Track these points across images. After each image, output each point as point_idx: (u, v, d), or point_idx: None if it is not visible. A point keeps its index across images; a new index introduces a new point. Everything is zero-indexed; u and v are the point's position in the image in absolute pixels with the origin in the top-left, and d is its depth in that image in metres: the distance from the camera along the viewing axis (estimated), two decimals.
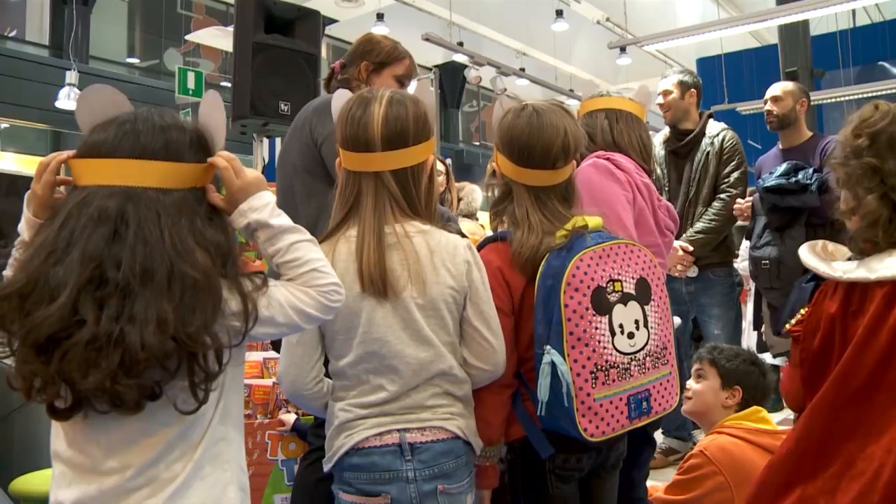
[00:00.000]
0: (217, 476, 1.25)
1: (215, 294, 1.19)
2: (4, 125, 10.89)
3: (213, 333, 1.18)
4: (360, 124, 1.56)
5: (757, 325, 3.99)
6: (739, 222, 3.75)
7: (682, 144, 3.75)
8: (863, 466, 1.46)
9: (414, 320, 1.53)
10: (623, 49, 10.07)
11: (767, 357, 3.75)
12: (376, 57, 2.45)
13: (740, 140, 3.74)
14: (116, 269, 1.14)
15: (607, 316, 1.60)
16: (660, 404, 1.69)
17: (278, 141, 4.21)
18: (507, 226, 1.76)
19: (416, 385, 1.53)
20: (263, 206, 1.31)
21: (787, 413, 3.78)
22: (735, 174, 3.64)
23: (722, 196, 3.63)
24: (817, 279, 1.64)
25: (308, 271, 1.31)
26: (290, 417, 2.55)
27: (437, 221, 1.62)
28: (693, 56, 11.50)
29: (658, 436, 2.71)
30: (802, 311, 1.63)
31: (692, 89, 3.75)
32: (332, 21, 11.07)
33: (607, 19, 11.77)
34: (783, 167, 3.48)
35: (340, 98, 1.66)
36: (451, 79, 15.36)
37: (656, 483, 2.51)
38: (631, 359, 1.62)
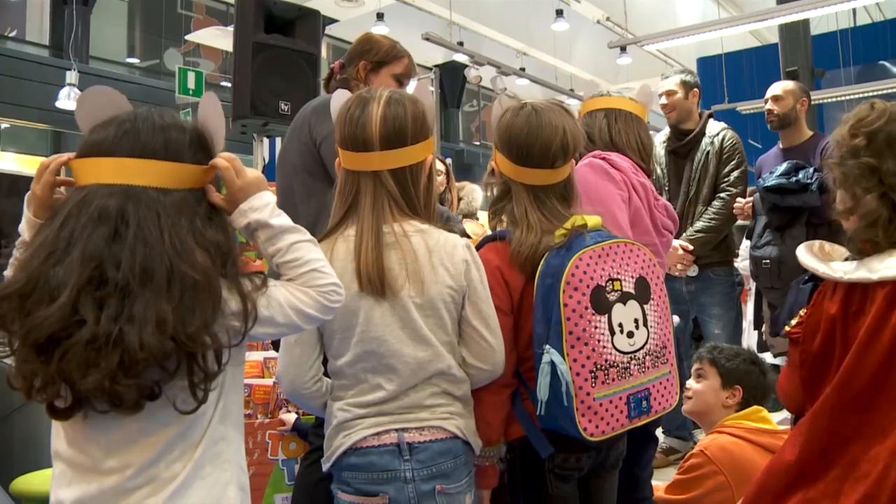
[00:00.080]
0: (217, 475, 1.25)
1: (215, 294, 1.19)
2: (5, 125, 10.89)
3: (212, 333, 1.18)
4: (359, 124, 1.56)
5: (757, 325, 3.99)
6: (740, 221, 3.75)
7: (683, 144, 3.75)
8: (867, 468, 1.45)
9: (412, 319, 1.53)
10: (623, 49, 10.06)
11: (768, 357, 3.75)
12: (374, 56, 2.45)
13: (740, 139, 3.74)
14: (116, 270, 1.14)
15: (607, 315, 1.60)
16: (660, 403, 1.69)
17: (278, 141, 4.21)
18: (505, 225, 1.76)
19: (414, 384, 1.53)
20: (264, 206, 1.31)
21: (788, 412, 3.77)
22: (735, 173, 3.64)
23: (722, 195, 3.63)
24: (815, 280, 1.63)
25: (308, 271, 1.31)
26: (290, 417, 2.55)
27: (436, 221, 1.62)
28: (693, 55, 11.49)
29: (658, 435, 2.71)
30: (801, 313, 1.62)
31: (694, 89, 3.76)
32: (333, 21, 11.07)
33: (607, 19, 11.76)
34: (784, 166, 3.48)
35: (339, 98, 1.66)
36: (451, 78, 15.36)
37: (657, 482, 2.50)
38: (630, 358, 1.62)
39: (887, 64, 9.79)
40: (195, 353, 1.16)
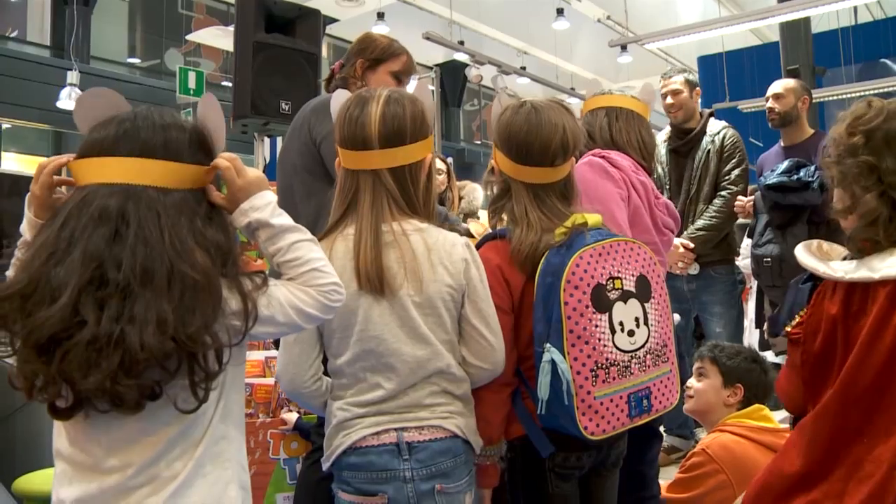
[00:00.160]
0: (218, 474, 1.25)
1: (215, 294, 1.19)
2: (6, 125, 10.90)
3: (213, 333, 1.18)
4: (358, 123, 1.56)
5: (759, 324, 3.98)
6: (741, 220, 3.75)
7: (684, 143, 3.75)
8: (871, 469, 1.44)
9: (411, 318, 1.53)
10: (624, 47, 10.07)
11: (769, 355, 3.75)
12: (371, 54, 2.46)
13: (741, 138, 3.74)
14: (117, 270, 1.14)
15: (607, 314, 1.59)
16: (660, 402, 1.69)
17: (279, 140, 4.21)
18: (505, 223, 1.76)
19: (413, 383, 1.53)
20: (265, 206, 1.31)
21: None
22: (736, 171, 3.64)
23: (723, 193, 3.62)
24: (814, 279, 1.62)
25: (308, 271, 1.31)
26: (292, 416, 2.56)
27: (435, 220, 1.62)
28: (694, 54, 11.48)
29: None
30: (801, 313, 1.62)
31: (697, 88, 3.78)
32: (333, 20, 11.08)
33: (608, 17, 11.75)
34: (785, 165, 3.47)
35: (339, 98, 1.66)
36: (451, 78, 15.37)
37: (659, 481, 2.50)
38: (631, 356, 1.62)
39: (888, 62, 9.77)
40: (196, 352, 1.16)
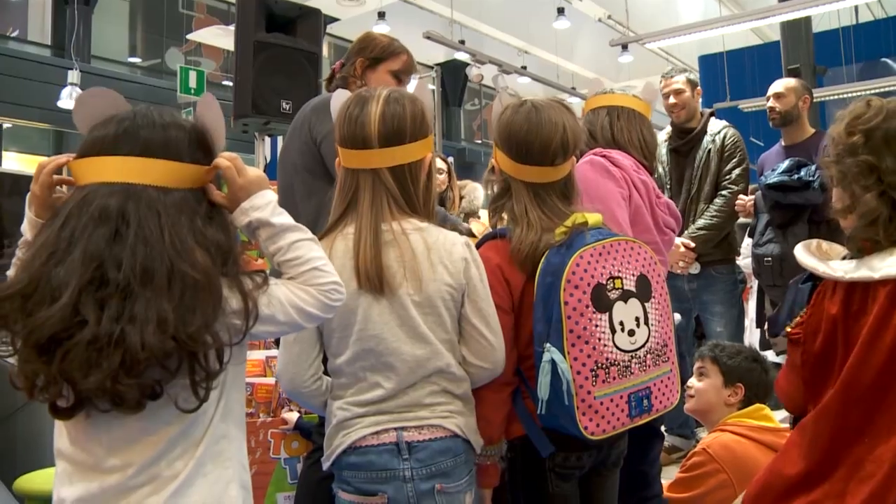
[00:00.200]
0: (218, 474, 1.25)
1: (216, 293, 1.19)
2: (7, 125, 10.90)
3: (213, 332, 1.18)
4: (358, 123, 1.56)
5: (759, 323, 3.98)
6: (742, 219, 3.75)
7: (684, 142, 3.75)
8: (872, 469, 1.44)
9: (410, 317, 1.53)
10: (625, 47, 10.07)
11: (770, 355, 3.75)
12: (371, 53, 2.45)
13: (742, 137, 3.74)
14: (117, 270, 1.14)
15: (607, 313, 1.59)
16: (661, 402, 1.69)
17: (280, 139, 4.21)
18: (506, 222, 1.76)
19: (413, 383, 1.53)
20: (265, 205, 1.31)
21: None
22: (737, 171, 3.64)
23: (724, 193, 3.63)
24: (813, 279, 1.62)
25: (309, 270, 1.31)
26: (292, 416, 2.56)
27: (436, 219, 1.62)
28: (695, 53, 11.48)
29: None
30: (802, 313, 1.61)
31: (698, 87, 3.78)
32: (334, 20, 11.09)
33: (609, 17, 11.76)
34: (786, 164, 3.47)
35: (339, 98, 1.66)
36: (452, 77, 15.36)
37: (660, 481, 2.50)
38: (632, 356, 1.62)
39: (889, 61, 9.77)
40: (196, 352, 1.16)
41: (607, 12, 11.73)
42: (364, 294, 1.52)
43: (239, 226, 1.32)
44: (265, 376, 2.78)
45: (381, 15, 9.99)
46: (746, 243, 4.04)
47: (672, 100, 3.73)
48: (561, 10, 11.11)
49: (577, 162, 1.91)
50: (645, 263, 1.70)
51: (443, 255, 1.55)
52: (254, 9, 3.72)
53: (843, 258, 1.56)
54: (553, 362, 1.54)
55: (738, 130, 3.79)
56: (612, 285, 1.61)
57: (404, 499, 1.49)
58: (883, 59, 9.74)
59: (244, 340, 1.26)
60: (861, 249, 1.52)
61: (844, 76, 9.08)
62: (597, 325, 1.57)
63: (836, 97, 8.41)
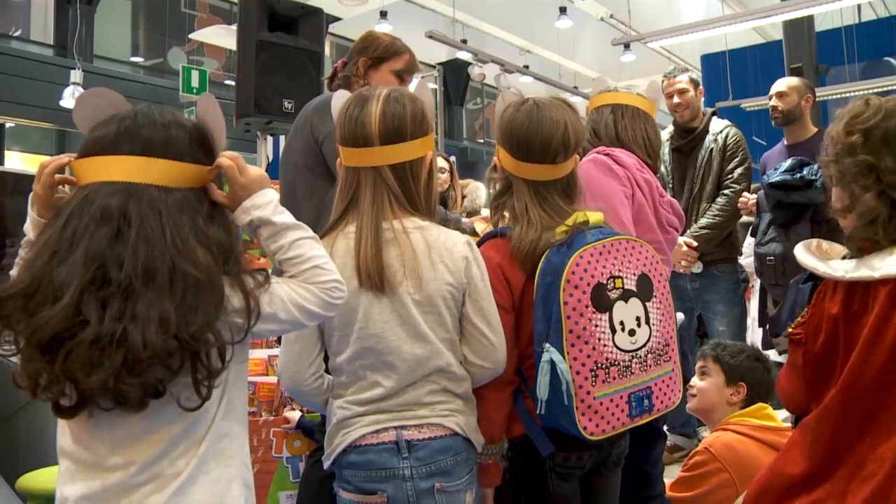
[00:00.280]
0: (221, 472, 1.26)
1: (217, 292, 1.19)
2: (10, 124, 10.92)
3: (215, 331, 1.18)
4: (359, 122, 1.57)
5: (762, 322, 3.98)
6: (744, 218, 3.75)
7: (687, 142, 3.76)
8: (873, 468, 1.44)
9: (411, 316, 1.53)
10: (627, 46, 10.07)
11: (773, 354, 3.74)
12: (373, 52, 2.45)
13: (744, 137, 3.74)
14: (119, 270, 1.14)
15: (608, 313, 1.59)
16: (662, 402, 1.68)
17: (282, 139, 4.21)
18: (507, 221, 1.76)
19: (413, 381, 1.53)
20: (266, 204, 1.31)
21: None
22: (739, 170, 3.65)
23: (726, 192, 3.63)
24: (814, 279, 1.61)
25: (310, 268, 1.31)
26: (294, 415, 2.56)
27: (437, 218, 1.62)
28: (697, 52, 11.48)
29: None
30: (803, 313, 1.61)
31: (700, 86, 3.78)
32: (336, 19, 11.09)
33: (611, 16, 11.76)
34: (788, 163, 3.47)
35: (339, 98, 1.66)
36: (454, 76, 15.36)
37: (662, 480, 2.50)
38: (632, 356, 1.61)
39: (892, 60, 9.76)
40: (198, 350, 1.16)
41: (609, 11, 11.73)
42: (365, 292, 1.52)
43: (240, 224, 1.32)
44: (267, 375, 2.78)
45: (383, 14, 9.99)
46: (748, 242, 4.04)
47: (676, 99, 3.73)
48: (563, 10, 11.11)
49: (581, 160, 1.91)
50: (646, 263, 1.69)
51: (443, 254, 1.55)
52: (256, 8, 3.72)
53: (844, 258, 1.56)
54: (552, 362, 1.54)
55: (741, 129, 3.79)
56: (612, 285, 1.61)
57: (404, 498, 1.49)
58: (886, 59, 9.73)
59: (246, 339, 1.26)
60: (861, 249, 1.51)
61: (847, 75, 9.07)
62: (596, 325, 1.57)
63: (838, 96, 8.41)
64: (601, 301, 1.58)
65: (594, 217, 1.68)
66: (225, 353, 1.20)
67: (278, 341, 2.68)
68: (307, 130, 2.30)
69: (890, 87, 8.14)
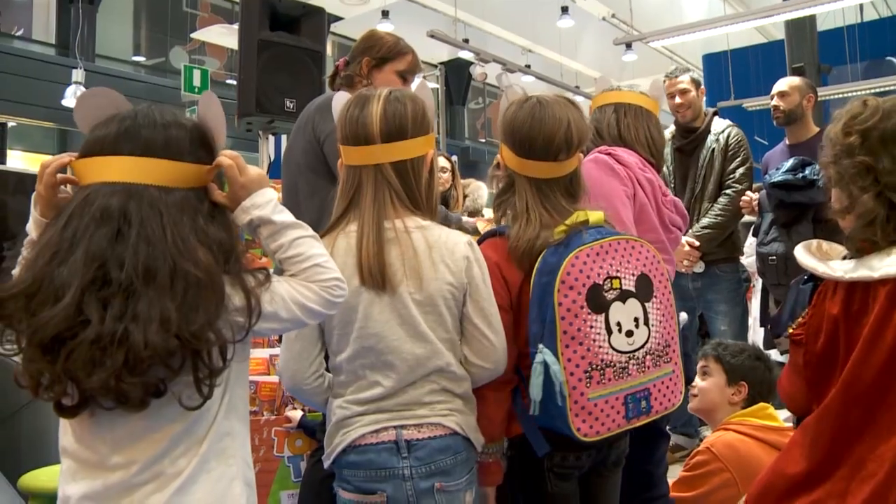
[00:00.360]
0: (222, 471, 1.26)
1: (218, 291, 1.19)
2: (12, 123, 10.92)
3: (216, 330, 1.18)
4: (360, 122, 1.57)
5: (763, 322, 3.98)
6: (746, 218, 3.75)
7: (688, 142, 3.76)
8: (873, 468, 1.44)
9: (411, 316, 1.53)
10: (629, 45, 10.07)
11: (775, 354, 3.74)
12: (377, 52, 2.45)
13: (745, 137, 3.74)
14: (120, 270, 1.14)
15: (604, 314, 1.57)
16: (661, 403, 1.67)
17: (284, 138, 4.21)
18: (509, 219, 1.76)
19: (412, 381, 1.53)
20: (266, 203, 1.31)
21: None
22: (740, 170, 3.65)
23: (728, 192, 3.63)
24: (814, 279, 1.61)
25: (310, 266, 1.31)
26: (296, 414, 2.56)
27: (438, 218, 1.62)
28: (699, 52, 11.47)
29: None
30: (803, 314, 1.61)
31: (702, 86, 3.78)
32: (338, 18, 11.09)
33: (613, 16, 11.74)
34: (790, 163, 3.47)
35: (340, 100, 1.67)
36: (456, 76, 15.35)
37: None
38: (629, 357, 1.60)
39: (894, 60, 9.74)
40: (200, 350, 1.17)
41: (611, 11, 11.72)
42: (365, 292, 1.52)
43: (240, 224, 1.32)
44: (269, 374, 2.78)
45: (385, 14, 10.00)
46: (750, 242, 4.04)
47: (678, 100, 3.73)
48: (565, 9, 11.10)
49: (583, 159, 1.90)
50: (647, 263, 1.68)
51: (444, 254, 1.55)
52: (258, 7, 3.72)
53: (843, 258, 1.56)
54: (545, 364, 1.53)
55: (743, 129, 3.79)
56: (609, 285, 1.59)
57: (403, 497, 1.48)
58: (888, 58, 9.72)
59: (247, 337, 1.27)
60: (860, 250, 1.51)
61: (849, 75, 9.07)
62: (591, 326, 1.56)
63: (840, 96, 8.41)
64: (596, 302, 1.57)
65: (594, 216, 1.67)
66: (226, 352, 1.21)
67: (280, 340, 2.69)
68: (309, 130, 2.30)
69: (892, 87, 8.13)
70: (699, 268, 3.62)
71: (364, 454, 1.51)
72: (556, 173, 1.72)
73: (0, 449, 3.13)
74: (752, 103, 8.90)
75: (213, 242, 1.23)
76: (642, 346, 1.62)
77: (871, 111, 1.53)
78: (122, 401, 1.14)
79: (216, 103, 1.34)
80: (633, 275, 1.64)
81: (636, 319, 1.62)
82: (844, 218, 1.57)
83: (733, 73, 9.91)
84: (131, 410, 1.16)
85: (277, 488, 2.54)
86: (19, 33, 11.61)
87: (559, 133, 1.69)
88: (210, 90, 1.38)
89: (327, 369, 1.61)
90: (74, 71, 9.21)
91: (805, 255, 1.61)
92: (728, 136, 3.67)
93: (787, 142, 3.81)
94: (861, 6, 9.58)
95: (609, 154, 2.14)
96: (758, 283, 4.05)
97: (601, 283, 1.59)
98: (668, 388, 1.68)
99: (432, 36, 8.61)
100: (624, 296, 1.61)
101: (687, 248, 3.51)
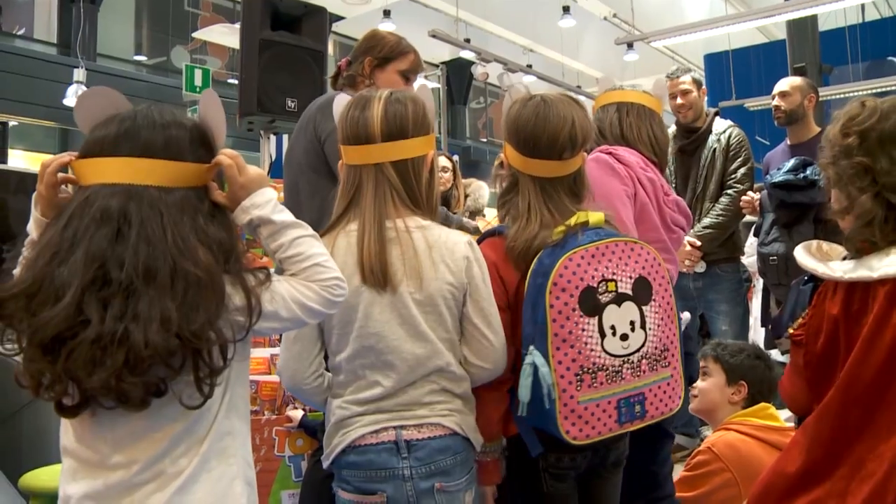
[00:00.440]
0: (223, 470, 1.26)
1: (218, 291, 1.19)
2: (13, 123, 10.94)
3: (217, 329, 1.18)
4: (360, 123, 1.57)
5: (764, 322, 3.98)
6: (747, 218, 3.75)
7: (690, 142, 3.75)
8: (873, 467, 1.44)
9: (411, 316, 1.52)
10: (630, 45, 10.07)
11: (776, 354, 3.74)
12: (379, 52, 2.45)
13: (747, 137, 3.74)
14: (120, 269, 1.15)
15: (597, 317, 1.56)
16: (657, 408, 1.64)
17: (285, 138, 4.21)
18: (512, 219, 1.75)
19: (412, 381, 1.53)
20: (265, 203, 1.31)
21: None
22: (742, 170, 3.65)
23: (729, 192, 3.63)
24: (814, 280, 1.61)
25: (310, 266, 1.31)
26: (297, 414, 2.56)
27: (438, 218, 1.62)
28: (701, 52, 11.46)
29: None
30: (804, 315, 1.61)
31: (703, 86, 3.78)
32: (339, 18, 11.07)
33: (614, 15, 11.74)
34: (791, 163, 3.47)
35: (341, 101, 1.67)
36: (457, 75, 15.35)
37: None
38: (623, 361, 1.58)
39: None
40: (200, 349, 1.17)
41: (613, 11, 11.71)
42: (365, 291, 1.52)
43: (240, 224, 1.32)
44: (269, 374, 2.78)
45: (387, 13, 10.00)
46: (751, 242, 4.04)
47: (679, 100, 3.73)
48: (566, 9, 11.10)
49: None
50: (646, 265, 1.65)
51: (444, 254, 1.55)
52: (259, 7, 3.72)
53: (843, 259, 1.56)
54: (535, 365, 1.52)
55: (744, 129, 3.79)
56: (604, 288, 1.58)
57: (403, 498, 1.48)
58: (889, 58, 9.71)
59: (248, 336, 1.27)
60: (859, 250, 1.51)
61: (850, 75, 9.06)
62: (583, 329, 1.54)
63: (841, 96, 8.40)
64: (590, 305, 1.56)
65: (594, 217, 1.65)
66: (227, 351, 1.21)
67: (280, 340, 2.69)
68: (310, 130, 2.30)
69: (893, 87, 8.13)
70: (700, 268, 3.62)
71: (364, 454, 1.51)
72: (560, 172, 1.71)
73: (1, 448, 3.13)
74: (753, 103, 8.89)
75: (213, 242, 1.23)
76: (638, 350, 1.60)
77: (868, 112, 1.53)
78: (123, 400, 1.14)
79: (216, 102, 1.34)
80: (631, 277, 1.62)
81: (632, 323, 1.60)
82: (843, 218, 1.57)
83: (735, 73, 9.91)
84: (132, 410, 1.16)
85: (278, 488, 2.55)
86: (21, 32, 11.62)
87: (563, 131, 1.69)
88: (207, 91, 1.37)
89: (327, 369, 1.61)
90: (76, 70, 9.22)
91: (805, 255, 1.61)
92: (729, 137, 3.67)
93: (789, 142, 3.81)
94: (862, 6, 9.58)
95: (610, 153, 2.13)
96: (759, 283, 4.05)
97: (595, 285, 1.57)
98: (664, 392, 1.66)
99: (434, 35, 8.61)
100: (619, 299, 1.60)
101: (688, 247, 3.51)
